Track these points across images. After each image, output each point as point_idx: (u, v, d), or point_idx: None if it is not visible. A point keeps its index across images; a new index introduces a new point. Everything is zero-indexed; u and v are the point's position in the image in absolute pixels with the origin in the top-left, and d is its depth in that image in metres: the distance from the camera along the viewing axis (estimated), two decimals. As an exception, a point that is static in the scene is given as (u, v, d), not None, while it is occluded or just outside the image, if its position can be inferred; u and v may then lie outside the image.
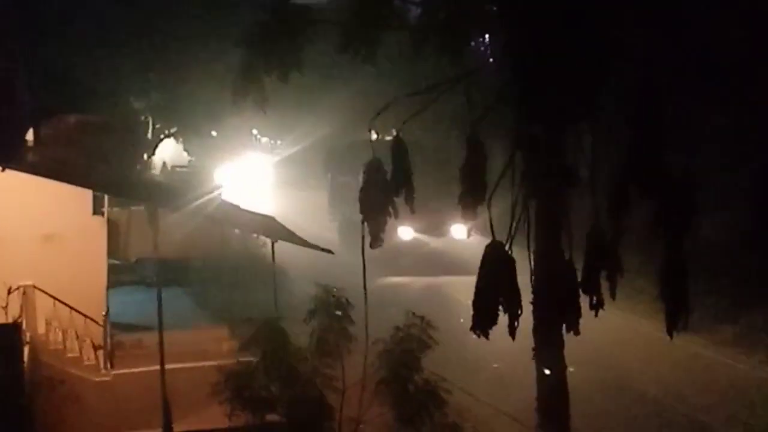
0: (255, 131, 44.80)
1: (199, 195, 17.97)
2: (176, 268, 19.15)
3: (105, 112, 25.17)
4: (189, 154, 35.11)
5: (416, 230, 28.74)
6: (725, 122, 11.40)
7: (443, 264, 26.19)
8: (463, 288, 15.28)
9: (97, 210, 17.91)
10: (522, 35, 10.08)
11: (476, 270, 9.94)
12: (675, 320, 10.08)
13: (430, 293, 22.82)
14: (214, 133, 32.42)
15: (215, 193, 20.15)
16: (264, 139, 47.20)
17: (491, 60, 10.75)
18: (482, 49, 11.55)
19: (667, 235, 10.01)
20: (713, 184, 12.36)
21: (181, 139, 31.56)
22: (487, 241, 10.02)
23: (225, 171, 36.93)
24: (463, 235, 21.63)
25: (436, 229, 28.13)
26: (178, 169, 37.27)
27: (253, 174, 43.02)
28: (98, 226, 17.93)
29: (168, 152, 36.33)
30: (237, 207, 21.09)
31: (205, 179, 30.57)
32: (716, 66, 10.54)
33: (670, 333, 10.14)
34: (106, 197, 18.10)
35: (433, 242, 28.22)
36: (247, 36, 10.71)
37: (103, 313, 17.20)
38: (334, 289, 14.54)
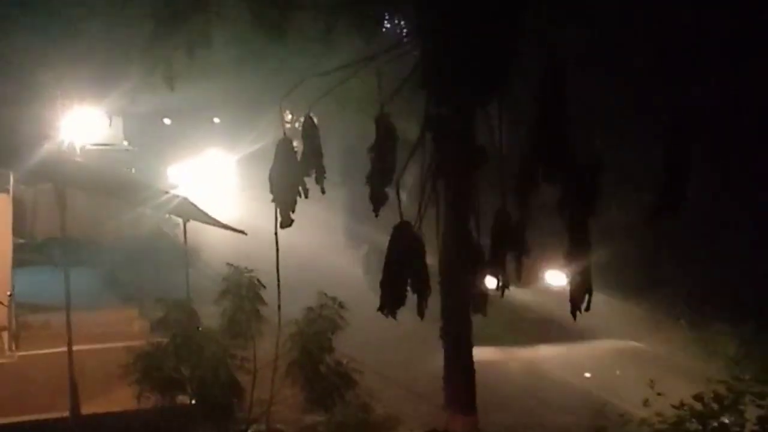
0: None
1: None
2: (85, 248, 18.73)
3: (5, 84, 24.26)
4: (128, 141, 33.12)
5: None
6: (633, 104, 11.68)
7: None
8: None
9: (0, 187, 17.36)
10: (432, 17, 10.13)
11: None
12: (578, 302, 10.32)
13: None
14: (167, 121, 30.49)
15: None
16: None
17: (403, 41, 10.74)
18: (396, 30, 11.58)
19: (571, 218, 10.23)
20: (621, 167, 12.63)
21: (111, 121, 29.92)
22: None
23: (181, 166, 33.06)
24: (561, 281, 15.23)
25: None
26: (92, 147, 35.36)
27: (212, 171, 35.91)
28: (2, 203, 17.39)
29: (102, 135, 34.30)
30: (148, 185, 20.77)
31: (141, 163, 28.95)
32: (625, 47, 10.79)
33: (573, 314, 10.38)
34: (11, 175, 17.56)
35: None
36: (156, 9, 10.51)
37: (8, 293, 16.72)
38: (246, 269, 14.48)
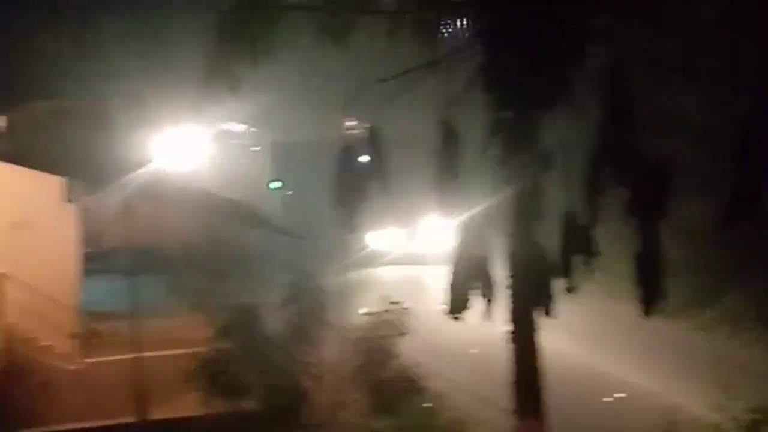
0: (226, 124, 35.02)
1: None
2: (152, 255, 18.99)
3: (77, 98, 24.79)
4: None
5: None
6: (704, 108, 11.44)
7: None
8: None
9: (70, 197, 17.70)
10: (496, 20, 10.06)
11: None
12: (650, 305, 10.15)
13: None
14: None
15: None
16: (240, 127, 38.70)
17: (468, 45, 10.67)
18: (458, 34, 11.51)
19: (641, 220, 10.06)
20: (691, 169, 12.37)
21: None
22: None
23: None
24: None
25: None
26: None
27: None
28: (70, 214, 17.72)
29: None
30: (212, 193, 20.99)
31: None
32: (693, 52, 10.60)
33: (645, 316, 10.21)
34: (80, 185, 17.90)
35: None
36: (219, 20, 10.60)
37: (77, 301, 17.03)
38: (310, 277, 14.56)
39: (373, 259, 22.83)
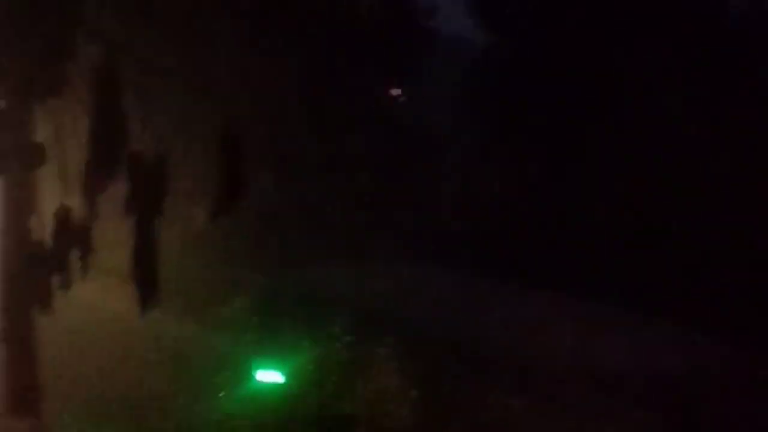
0: None
1: None
2: None
3: None
4: None
5: None
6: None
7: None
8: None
9: None
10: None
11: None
12: (144, 299, 10.47)
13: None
14: None
15: None
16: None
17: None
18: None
19: (138, 217, 10.36)
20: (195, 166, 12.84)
21: None
22: None
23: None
24: None
25: None
26: None
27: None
28: None
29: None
30: None
31: None
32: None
33: (142, 310, 10.51)
34: None
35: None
36: None
37: None
38: None
39: None
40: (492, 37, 18.38)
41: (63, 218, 10.17)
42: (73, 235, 10.27)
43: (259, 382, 10.97)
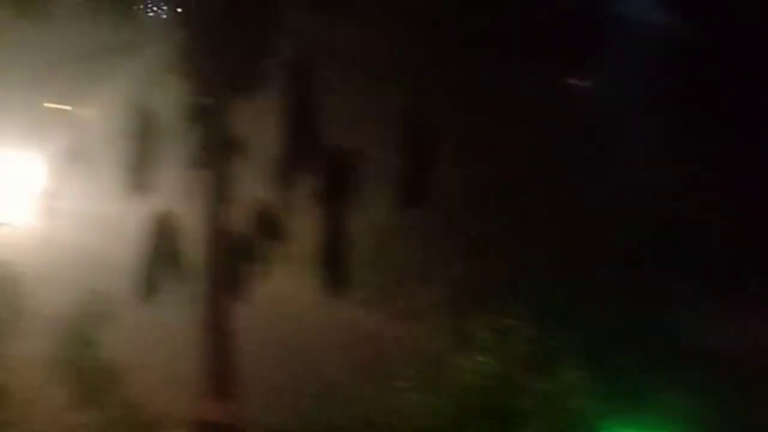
0: None
1: None
2: None
3: None
4: None
5: None
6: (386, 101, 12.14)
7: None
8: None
9: None
10: (193, 8, 10.22)
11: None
12: (332, 288, 10.71)
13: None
14: None
15: None
16: None
17: (167, 29, 10.73)
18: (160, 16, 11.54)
19: (329, 208, 10.61)
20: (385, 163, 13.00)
21: None
22: None
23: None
24: None
25: None
26: None
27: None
28: None
29: None
30: None
31: None
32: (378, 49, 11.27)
33: (329, 299, 10.77)
34: None
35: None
36: None
37: None
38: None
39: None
40: (679, 22, 17.62)
41: (259, 210, 10.55)
42: (268, 226, 10.64)
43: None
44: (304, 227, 10.93)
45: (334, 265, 10.60)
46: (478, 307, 11.60)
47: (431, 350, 11.17)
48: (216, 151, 10.24)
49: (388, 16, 10.97)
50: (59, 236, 12.72)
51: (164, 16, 10.90)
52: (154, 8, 11.20)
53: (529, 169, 13.15)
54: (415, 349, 11.29)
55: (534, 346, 10.66)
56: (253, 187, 10.53)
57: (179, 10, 10.06)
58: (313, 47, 10.14)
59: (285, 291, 12.71)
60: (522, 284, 11.98)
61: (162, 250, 10.45)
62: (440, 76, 10.79)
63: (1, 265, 13.88)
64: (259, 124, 10.44)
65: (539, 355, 10.72)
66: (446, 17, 11.27)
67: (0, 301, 13.79)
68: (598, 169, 15.80)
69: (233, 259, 10.49)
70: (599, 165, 15.58)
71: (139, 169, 10.33)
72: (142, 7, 10.97)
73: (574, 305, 11.77)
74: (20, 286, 14.05)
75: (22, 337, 14.07)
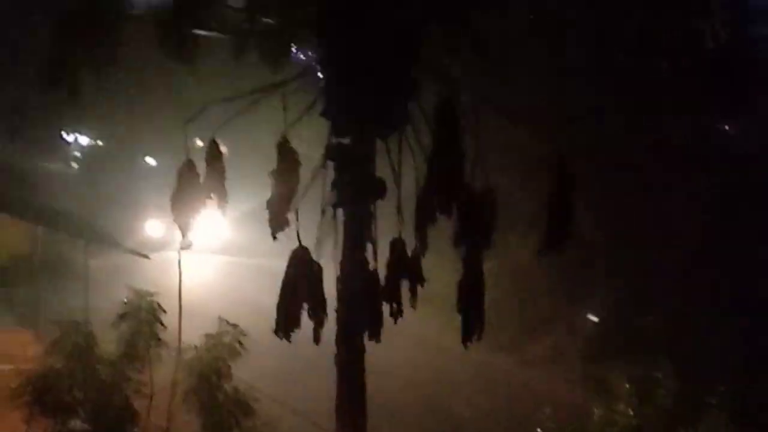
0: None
1: None
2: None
3: None
4: None
5: None
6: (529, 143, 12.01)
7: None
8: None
9: None
10: (334, 49, 10.36)
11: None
12: (470, 332, 10.54)
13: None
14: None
15: None
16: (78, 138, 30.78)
17: (310, 71, 10.92)
18: (304, 58, 11.78)
19: (467, 250, 10.48)
20: (522, 203, 12.88)
21: None
22: None
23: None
24: None
25: None
26: None
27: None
28: None
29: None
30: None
31: None
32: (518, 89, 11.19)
33: (464, 343, 10.60)
34: None
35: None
36: (58, 23, 10.42)
37: None
38: (147, 293, 14.36)
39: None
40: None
41: (397, 250, 10.53)
42: (405, 266, 10.60)
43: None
44: (443, 268, 10.86)
45: (472, 308, 10.44)
46: (619, 356, 11.28)
47: (570, 398, 10.86)
48: (356, 189, 10.29)
49: (540, 65, 10.88)
50: (203, 272, 13.02)
51: (313, 58, 11.04)
52: (304, 50, 11.43)
53: (681, 219, 12.80)
54: (554, 395, 11.02)
55: (678, 398, 10.22)
56: (394, 227, 10.52)
57: (328, 51, 10.16)
58: (464, 92, 10.10)
59: (422, 332, 12.73)
60: (668, 333, 11.59)
61: (301, 288, 10.52)
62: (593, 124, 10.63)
63: (144, 296, 14.44)
64: (401, 165, 10.44)
65: (683, 408, 10.24)
66: (599, 66, 11.09)
67: (141, 329, 14.32)
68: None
69: (372, 298, 10.48)
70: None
71: (281, 207, 10.46)
72: (293, 49, 11.17)
73: (727, 357, 11.30)
74: (161, 316, 14.55)
75: (162, 365, 14.55)
